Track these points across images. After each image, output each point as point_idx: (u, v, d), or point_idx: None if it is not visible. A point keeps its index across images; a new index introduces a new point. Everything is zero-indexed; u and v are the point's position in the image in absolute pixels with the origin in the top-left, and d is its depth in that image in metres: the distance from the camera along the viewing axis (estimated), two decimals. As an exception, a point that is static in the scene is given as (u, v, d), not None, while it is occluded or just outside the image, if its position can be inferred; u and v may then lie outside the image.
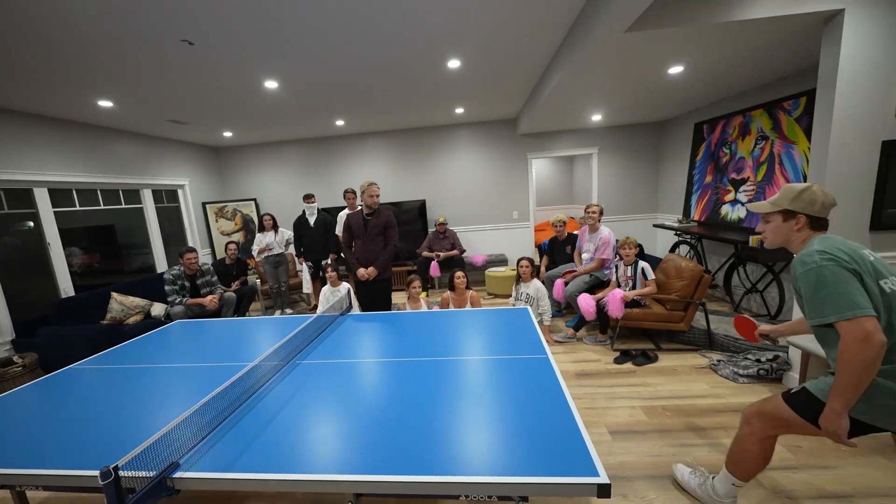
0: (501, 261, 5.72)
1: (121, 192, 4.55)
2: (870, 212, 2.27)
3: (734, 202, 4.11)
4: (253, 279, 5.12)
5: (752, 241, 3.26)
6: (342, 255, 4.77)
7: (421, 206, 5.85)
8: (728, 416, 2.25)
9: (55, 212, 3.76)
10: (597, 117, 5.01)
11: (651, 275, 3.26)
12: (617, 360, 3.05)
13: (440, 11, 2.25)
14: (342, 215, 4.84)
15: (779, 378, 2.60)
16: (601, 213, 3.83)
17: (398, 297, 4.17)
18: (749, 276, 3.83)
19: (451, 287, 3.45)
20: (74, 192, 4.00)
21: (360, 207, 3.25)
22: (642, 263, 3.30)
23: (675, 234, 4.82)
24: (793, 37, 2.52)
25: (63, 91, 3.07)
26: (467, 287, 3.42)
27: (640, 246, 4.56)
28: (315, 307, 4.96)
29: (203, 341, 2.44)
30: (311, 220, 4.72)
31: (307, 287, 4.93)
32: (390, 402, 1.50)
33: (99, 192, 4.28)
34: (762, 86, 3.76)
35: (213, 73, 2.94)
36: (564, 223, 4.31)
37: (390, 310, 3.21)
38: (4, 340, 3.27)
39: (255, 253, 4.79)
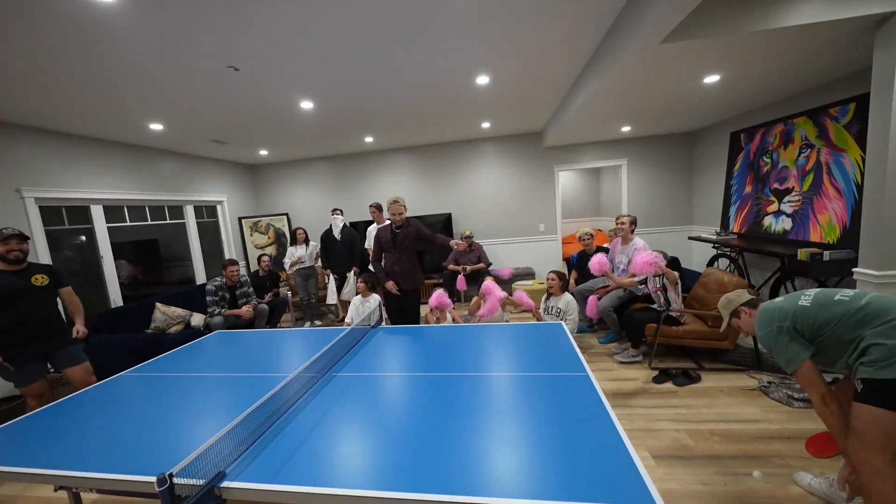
0: (528, 274, 5.64)
1: (166, 209, 4.83)
2: (938, 223, 2.11)
3: (778, 213, 3.90)
4: (284, 291, 5.26)
5: (801, 254, 3.07)
6: (369, 267, 4.85)
7: (447, 220, 5.89)
8: (785, 444, 2.09)
9: (108, 227, 4.04)
10: (626, 128, 4.94)
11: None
12: (655, 380, 2.91)
13: (471, 31, 2.30)
14: (371, 229, 4.93)
15: (839, 403, 2.41)
16: (633, 223, 3.69)
17: (424, 310, 4.15)
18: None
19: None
20: (126, 208, 4.28)
21: (387, 221, 3.29)
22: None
23: (714, 248, 4.61)
24: (840, 41, 2.42)
25: (119, 116, 3.32)
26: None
27: (675, 258, 4.39)
28: (342, 319, 5.03)
29: (239, 352, 2.51)
30: (337, 233, 4.83)
31: (332, 298, 5.01)
32: (426, 417, 1.47)
33: (147, 208, 4.56)
34: (804, 92, 3.60)
35: (254, 95, 3.10)
36: (591, 236, 4.21)
37: (419, 322, 3.21)
38: (59, 347, 3.47)
39: (287, 265, 4.94)
